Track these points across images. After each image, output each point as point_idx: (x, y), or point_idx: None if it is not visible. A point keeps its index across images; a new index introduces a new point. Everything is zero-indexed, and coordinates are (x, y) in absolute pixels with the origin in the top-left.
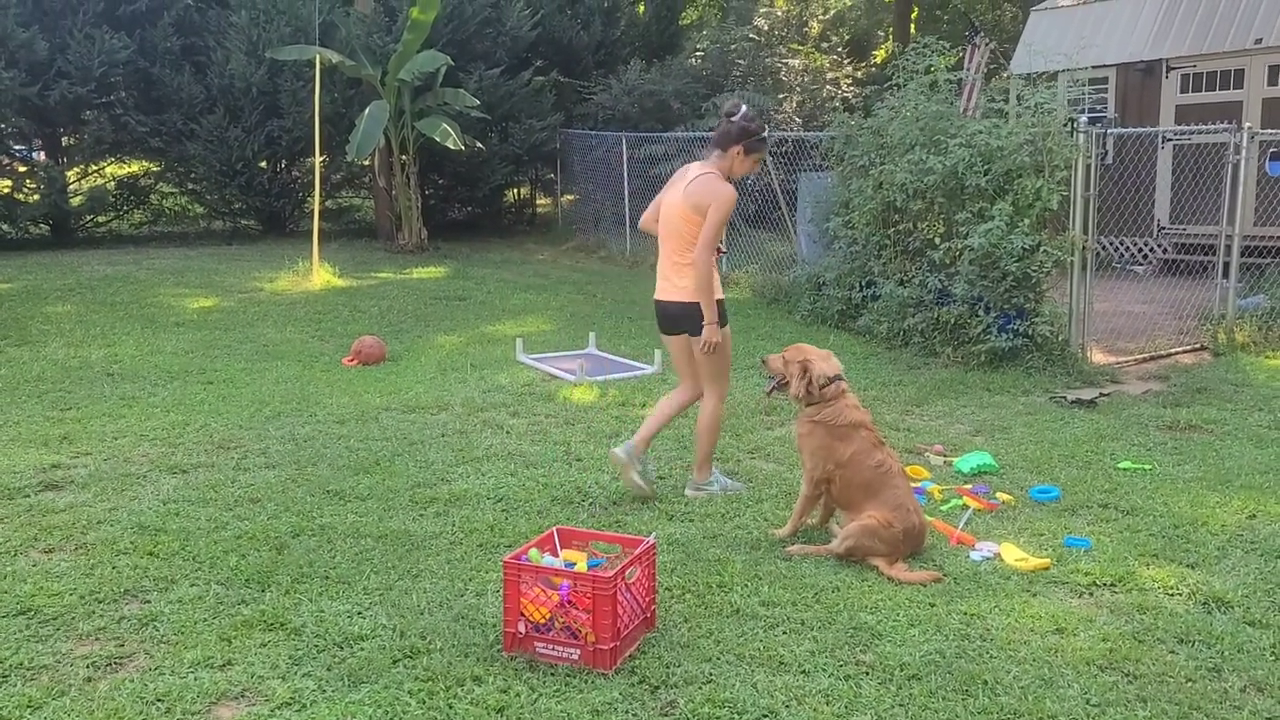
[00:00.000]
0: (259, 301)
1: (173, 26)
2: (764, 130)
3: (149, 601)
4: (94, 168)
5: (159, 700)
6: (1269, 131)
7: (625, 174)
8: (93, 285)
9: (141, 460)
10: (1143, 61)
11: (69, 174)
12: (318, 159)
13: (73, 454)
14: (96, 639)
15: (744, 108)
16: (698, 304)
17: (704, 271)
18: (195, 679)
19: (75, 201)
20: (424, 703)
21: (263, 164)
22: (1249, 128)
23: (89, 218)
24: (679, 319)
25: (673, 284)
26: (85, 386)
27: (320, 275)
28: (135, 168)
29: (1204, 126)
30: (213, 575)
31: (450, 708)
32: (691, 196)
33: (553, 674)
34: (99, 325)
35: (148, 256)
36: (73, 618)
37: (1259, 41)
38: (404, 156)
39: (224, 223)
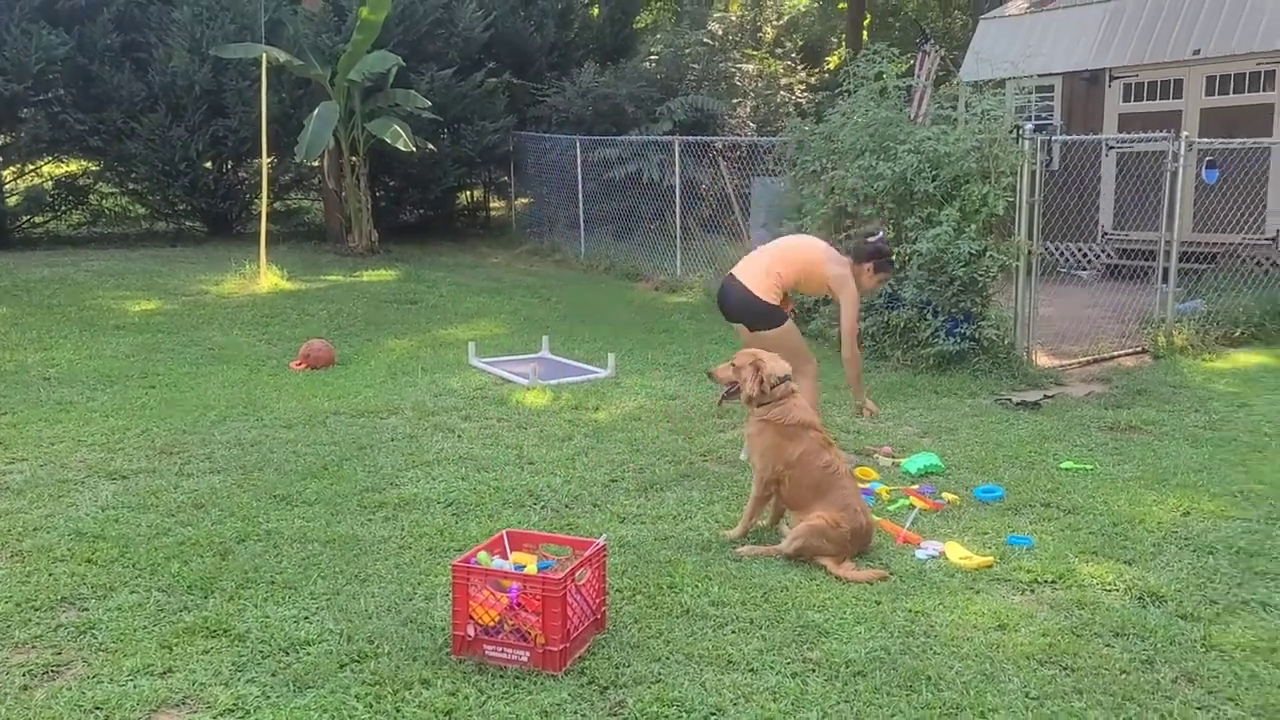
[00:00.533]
0: (204, 304)
1: (113, 23)
2: (891, 256)
3: (87, 609)
4: (31, 167)
5: (97, 708)
6: (1206, 140)
7: (579, 177)
8: (29, 287)
9: (79, 466)
10: (1087, 70)
11: (5, 173)
12: (265, 160)
13: (8, 460)
14: (33, 647)
15: (881, 233)
16: (766, 302)
17: (856, 365)
18: (135, 687)
19: (11, 202)
20: (371, 706)
21: (208, 164)
22: (1186, 136)
23: (25, 218)
24: (743, 307)
25: (753, 274)
26: (21, 391)
27: (268, 278)
28: (74, 167)
29: (1145, 135)
30: (153, 582)
31: (398, 711)
32: (834, 264)
33: (502, 676)
34: (35, 328)
35: (87, 258)
36: (8, 625)
37: (1197, 53)
38: (354, 158)
39: (167, 224)
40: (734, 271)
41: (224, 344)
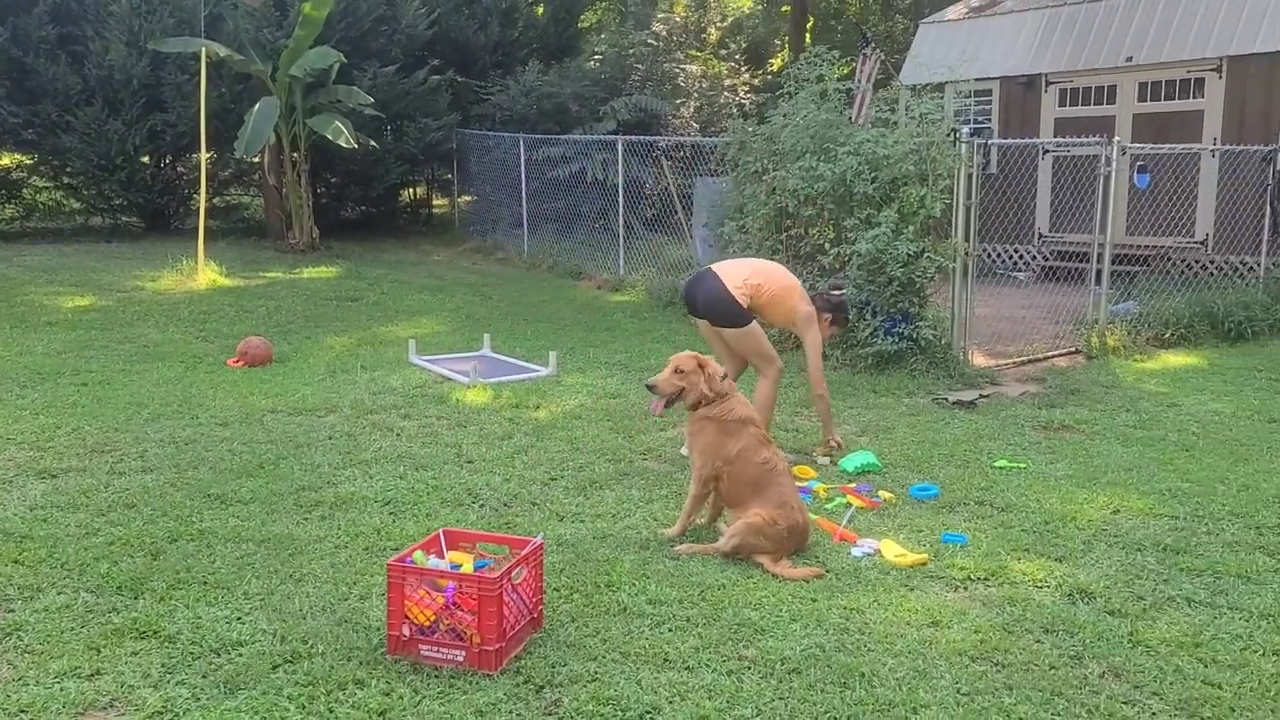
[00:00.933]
0: (139, 301)
1: (48, 14)
2: (848, 314)
3: (13, 610)
4: None
5: (22, 711)
6: (1137, 145)
7: (523, 175)
8: None
9: (7, 465)
10: (1023, 75)
11: None
12: (204, 155)
13: None
14: None
15: (845, 291)
16: (736, 303)
17: (824, 404)
18: (61, 689)
19: None
20: (304, 707)
21: (145, 159)
22: (1119, 141)
23: None
24: (718, 305)
25: (730, 272)
26: None
27: (206, 274)
28: (7, 160)
29: (1079, 139)
30: (82, 583)
31: (331, 712)
32: (804, 304)
33: (437, 676)
34: None
35: (19, 253)
36: None
37: (1129, 60)
38: (295, 154)
39: (103, 219)
40: (713, 267)
41: (159, 341)
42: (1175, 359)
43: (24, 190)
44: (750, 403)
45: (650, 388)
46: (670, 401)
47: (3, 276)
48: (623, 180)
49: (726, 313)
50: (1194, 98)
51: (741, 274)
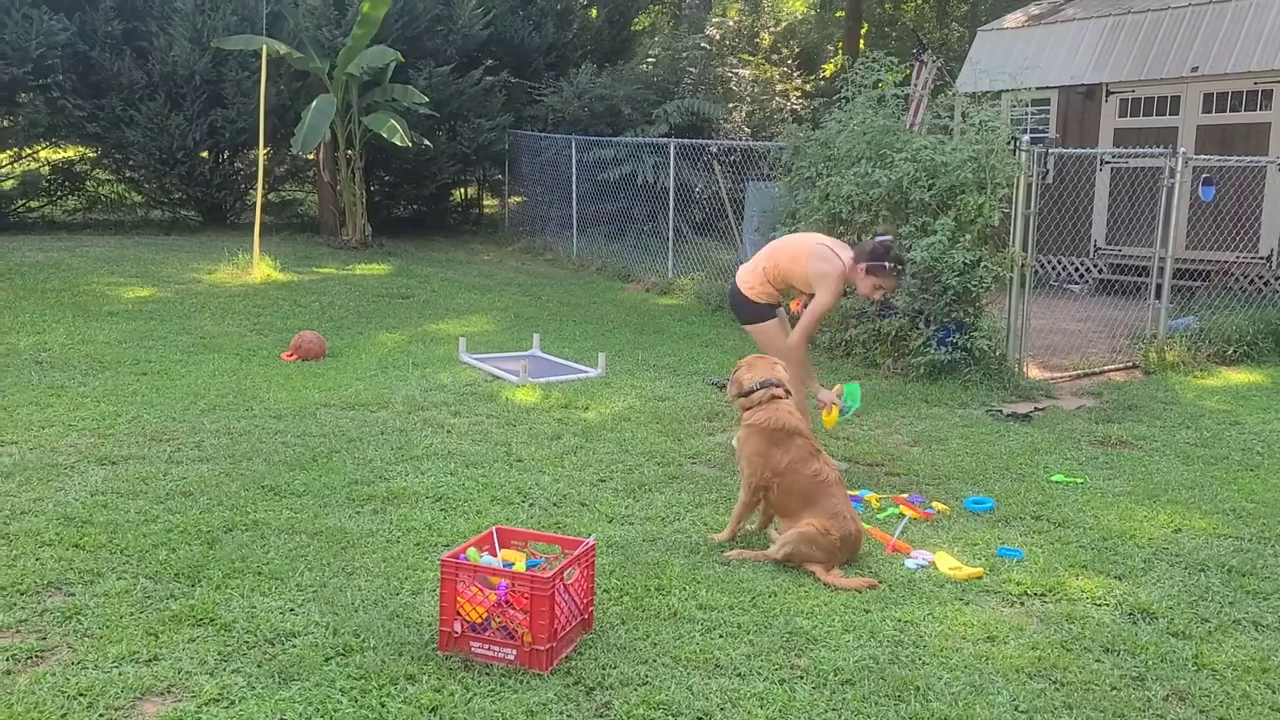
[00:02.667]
0: (197, 293)
1: (114, 10)
2: (894, 264)
3: (73, 594)
4: (28, 151)
5: (81, 695)
6: (1202, 157)
7: (574, 177)
8: (23, 271)
9: (69, 450)
10: (1084, 85)
11: (1, 157)
12: (261, 151)
13: None
14: (17, 631)
15: (889, 237)
16: (751, 301)
17: (798, 353)
18: (120, 674)
19: (7, 185)
20: (356, 701)
21: (204, 154)
22: (1184, 153)
23: (21, 202)
24: (735, 304)
25: (747, 274)
26: (12, 374)
27: (261, 268)
28: (71, 153)
29: (1141, 150)
30: (141, 569)
31: (383, 706)
32: (815, 263)
33: (488, 674)
34: (28, 312)
35: (81, 244)
36: None
37: (1195, 70)
38: (350, 151)
39: (162, 212)
40: (739, 269)
41: (216, 333)
42: (1237, 376)
43: (87, 182)
44: (797, 412)
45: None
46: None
47: (67, 266)
48: (673, 183)
49: (737, 310)
50: (1261, 110)
51: (757, 266)
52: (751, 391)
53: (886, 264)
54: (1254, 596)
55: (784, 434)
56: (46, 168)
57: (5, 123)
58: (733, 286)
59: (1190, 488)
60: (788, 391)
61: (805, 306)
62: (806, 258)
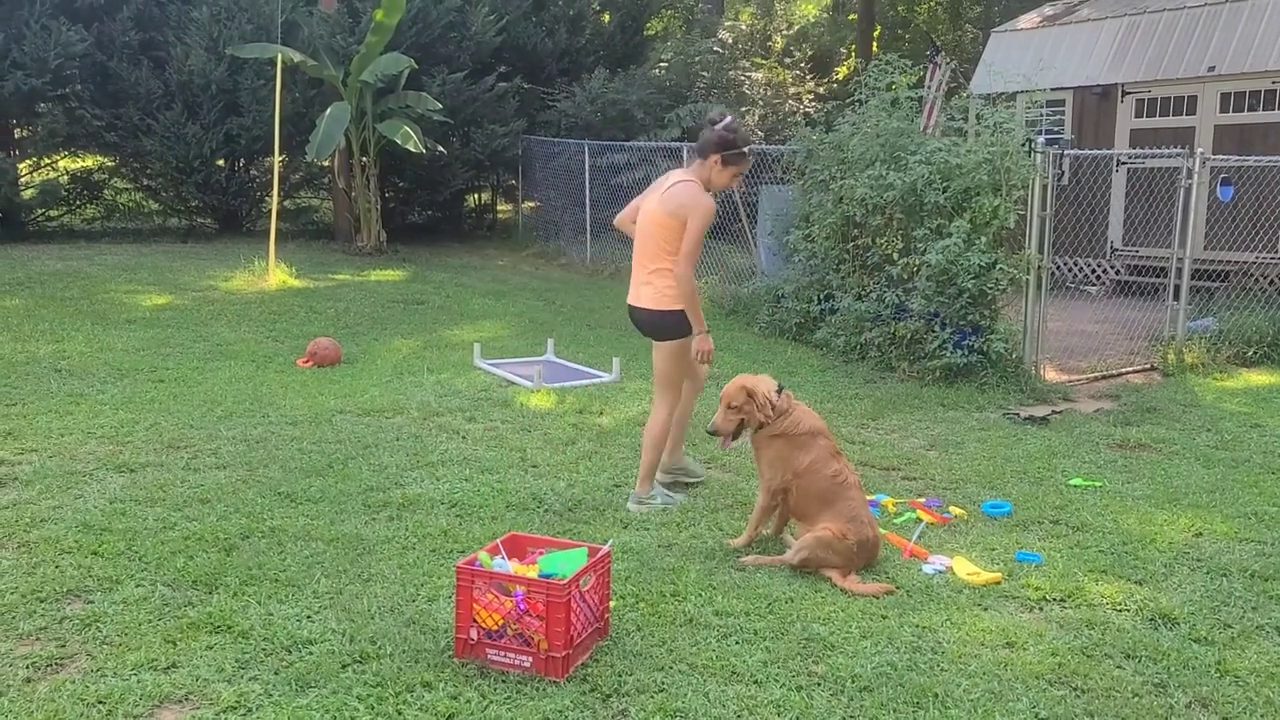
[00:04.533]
0: (213, 300)
1: (132, 20)
2: (743, 142)
3: (92, 602)
4: (47, 161)
5: (100, 702)
6: (1220, 157)
7: (587, 182)
8: (42, 280)
9: (88, 458)
10: (1099, 85)
11: (21, 166)
12: (276, 158)
13: (17, 450)
14: (37, 639)
15: (729, 118)
16: (665, 311)
17: (687, 284)
18: (138, 681)
19: (27, 195)
20: (373, 708)
21: (220, 162)
22: (1201, 153)
23: (40, 211)
24: (646, 326)
25: (641, 290)
26: (32, 382)
27: (276, 275)
28: (89, 162)
29: (1157, 151)
30: (159, 576)
31: (399, 714)
32: (668, 202)
33: (504, 681)
34: (48, 320)
35: (100, 252)
36: (13, 617)
37: (1212, 69)
38: (364, 158)
39: (179, 220)
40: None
41: (232, 340)
42: (1258, 378)
43: (105, 191)
44: (814, 412)
45: (712, 433)
46: (736, 434)
47: (85, 275)
48: None
49: (658, 325)
50: (1279, 109)
51: (642, 268)
52: (774, 403)
53: (743, 150)
54: (1277, 601)
55: (808, 435)
56: (65, 177)
57: (25, 132)
58: (638, 308)
59: (1211, 491)
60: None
61: None
62: (657, 193)
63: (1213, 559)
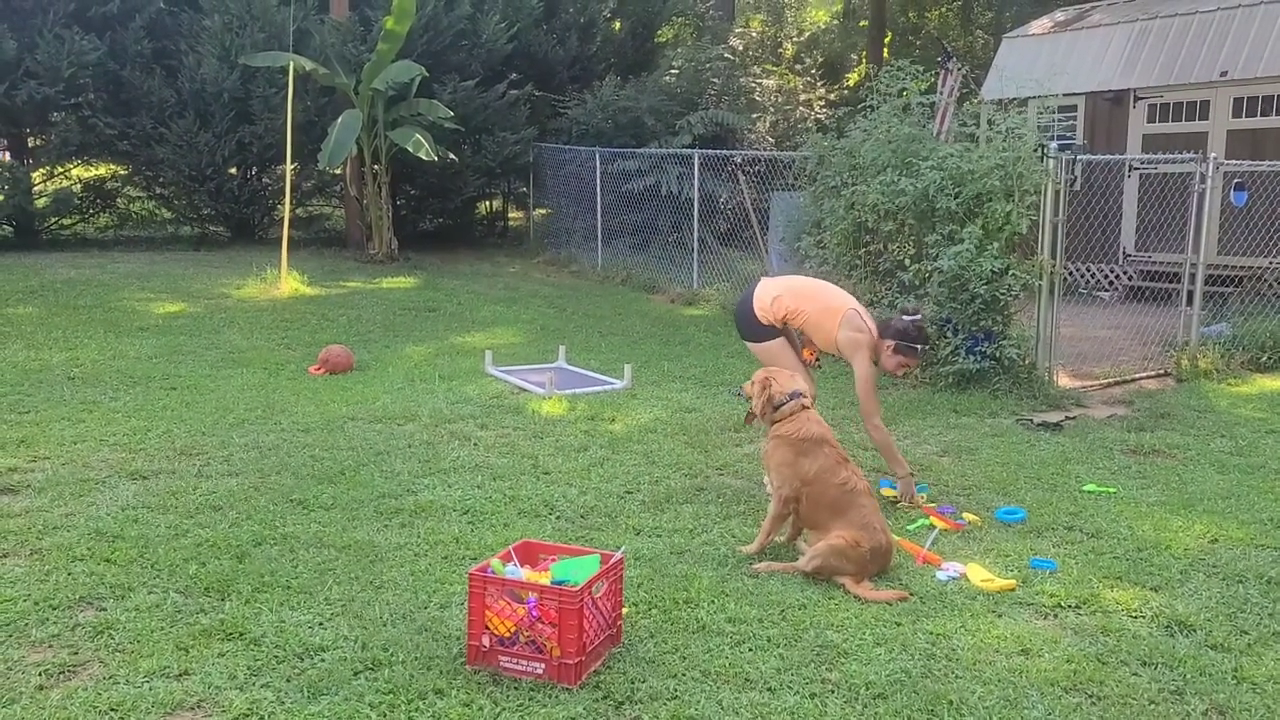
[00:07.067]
0: (226, 308)
1: (144, 29)
2: (923, 345)
3: (104, 609)
4: (60, 169)
5: (112, 710)
6: (1233, 162)
7: (598, 189)
8: (55, 288)
9: (101, 466)
10: (1111, 90)
11: (34, 175)
12: (289, 166)
13: (30, 458)
14: (49, 646)
15: (920, 315)
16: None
17: (880, 435)
18: (150, 688)
19: (40, 203)
20: (385, 715)
21: (233, 170)
22: (1214, 158)
23: (54, 220)
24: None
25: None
26: (45, 390)
27: (289, 283)
28: (102, 170)
29: (1170, 156)
30: (171, 583)
31: None
32: (847, 331)
33: (516, 688)
34: (61, 328)
35: (113, 260)
36: (25, 624)
37: (1224, 74)
38: (376, 166)
39: (192, 228)
40: (764, 279)
41: (244, 348)
42: (1272, 383)
43: (118, 199)
44: (824, 421)
45: (738, 393)
46: (750, 415)
47: (98, 283)
48: (698, 194)
49: (742, 326)
50: None
51: (774, 292)
52: (782, 404)
53: (917, 346)
54: None
55: (812, 443)
56: (78, 185)
57: (38, 141)
58: (746, 299)
59: (1226, 497)
60: (813, 401)
61: (816, 358)
62: (837, 322)
63: (1228, 565)
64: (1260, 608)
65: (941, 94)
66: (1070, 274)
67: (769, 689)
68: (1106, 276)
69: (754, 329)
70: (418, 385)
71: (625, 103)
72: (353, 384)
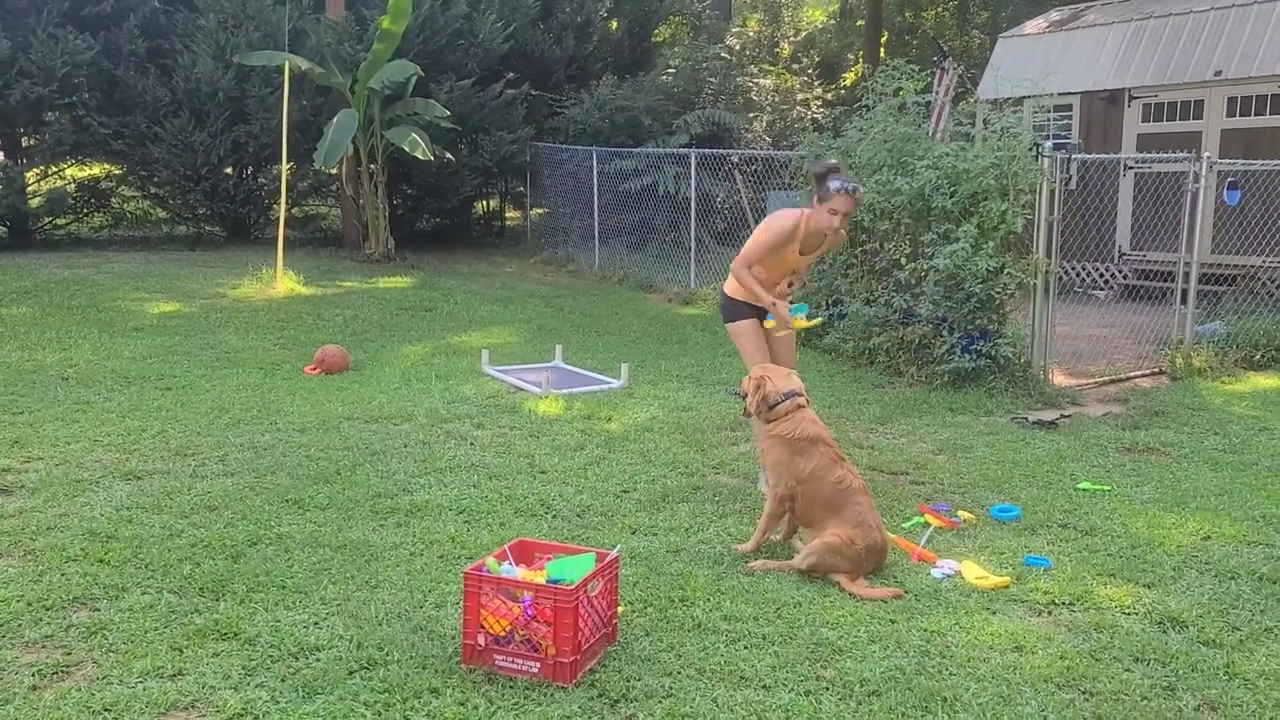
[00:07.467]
0: (221, 308)
1: (139, 28)
2: (834, 178)
3: (98, 609)
4: (54, 169)
5: (106, 710)
6: (1227, 161)
7: (595, 188)
8: (49, 288)
9: (95, 466)
10: (1106, 90)
11: (28, 175)
12: (284, 166)
13: (23, 459)
14: (43, 647)
15: (835, 161)
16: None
17: (741, 277)
18: (144, 689)
19: (34, 203)
20: (380, 714)
21: (228, 170)
22: (1208, 157)
23: (48, 220)
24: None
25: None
26: (39, 390)
27: (284, 283)
28: (97, 170)
29: (1164, 155)
30: (165, 583)
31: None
32: (767, 227)
33: (511, 687)
34: (54, 329)
35: (107, 260)
36: (19, 625)
37: (1218, 74)
38: (372, 165)
39: (187, 228)
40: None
41: (240, 348)
42: (1266, 381)
43: (113, 199)
44: (819, 420)
45: (738, 394)
46: (749, 410)
47: (93, 283)
48: (695, 193)
49: (723, 309)
50: None
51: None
52: (777, 404)
53: (829, 183)
54: None
55: (807, 442)
56: (73, 185)
57: (32, 141)
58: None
59: (1219, 494)
60: (808, 400)
61: (790, 283)
62: (766, 229)
63: (1221, 562)
64: (1252, 604)
65: (937, 93)
66: (1065, 273)
67: (764, 686)
68: (1101, 275)
69: (727, 308)
70: (414, 385)
71: (622, 102)
72: (349, 384)
